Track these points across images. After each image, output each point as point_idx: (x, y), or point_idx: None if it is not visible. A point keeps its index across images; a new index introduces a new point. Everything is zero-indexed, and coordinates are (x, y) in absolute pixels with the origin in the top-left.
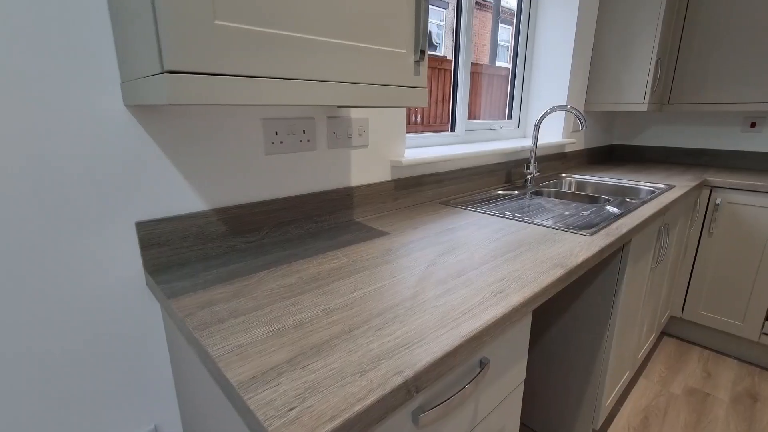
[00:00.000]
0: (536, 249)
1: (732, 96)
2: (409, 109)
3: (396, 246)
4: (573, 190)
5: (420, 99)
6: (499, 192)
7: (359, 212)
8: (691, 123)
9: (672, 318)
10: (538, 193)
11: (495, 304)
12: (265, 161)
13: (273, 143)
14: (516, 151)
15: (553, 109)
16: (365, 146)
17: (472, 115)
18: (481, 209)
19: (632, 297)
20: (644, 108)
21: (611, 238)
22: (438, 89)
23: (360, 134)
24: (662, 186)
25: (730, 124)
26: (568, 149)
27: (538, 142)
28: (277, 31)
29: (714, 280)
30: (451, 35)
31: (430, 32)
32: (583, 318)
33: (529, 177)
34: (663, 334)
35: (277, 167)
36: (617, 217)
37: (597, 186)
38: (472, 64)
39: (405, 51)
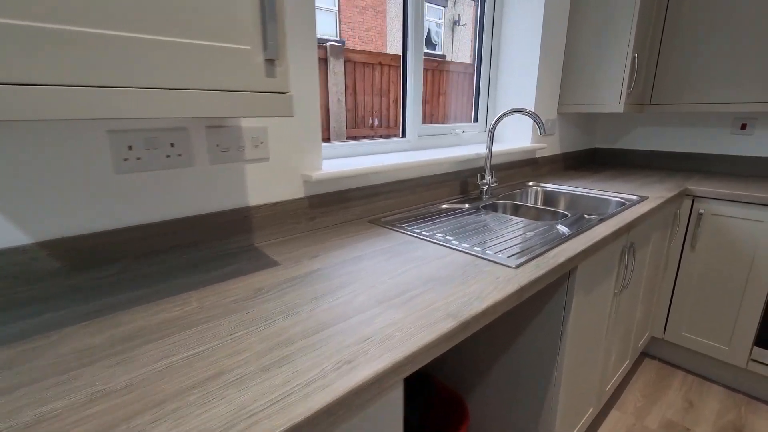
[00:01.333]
0: (442, 288)
1: (718, 95)
2: (366, 113)
3: (272, 284)
4: (537, 200)
5: (280, 107)
6: (444, 206)
7: (262, 236)
8: (677, 125)
9: (654, 338)
10: (492, 207)
11: (327, 385)
12: (117, 182)
13: (126, 160)
14: (472, 159)
15: (507, 114)
16: (265, 159)
17: (440, 118)
18: (412, 229)
19: (588, 328)
20: (620, 109)
21: (541, 271)
22: (434, 89)
23: (256, 146)
24: (634, 197)
25: (720, 126)
26: (539, 155)
27: (503, 148)
28: (51, 26)
29: (698, 300)
30: (450, 34)
31: (429, 30)
32: (529, 354)
33: (484, 188)
34: (644, 355)
35: (137, 188)
36: (563, 239)
37: (563, 197)
38: (440, 60)
39: (249, 48)
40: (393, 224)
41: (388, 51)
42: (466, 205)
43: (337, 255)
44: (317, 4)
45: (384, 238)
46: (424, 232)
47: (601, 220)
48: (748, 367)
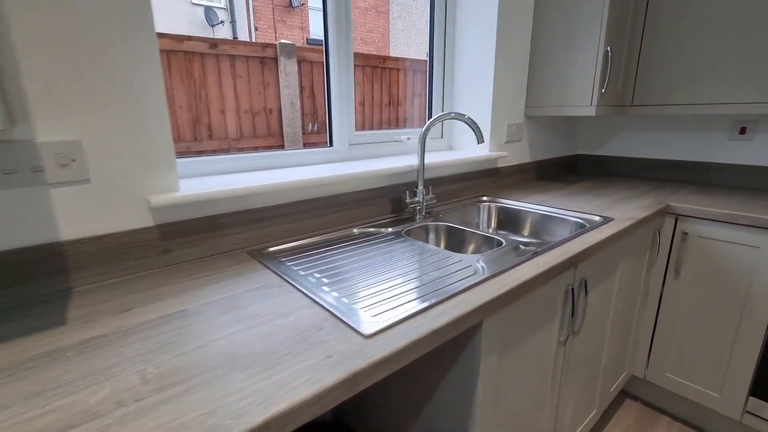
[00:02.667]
0: (234, 376)
1: (710, 95)
2: (302, 116)
3: (20, 359)
4: (487, 220)
5: None
6: (357, 231)
7: (84, 277)
8: (667, 129)
9: (635, 377)
10: (421, 231)
11: None
12: None
13: None
14: (410, 172)
15: (442, 118)
16: (83, 182)
17: (398, 123)
18: (292, 266)
19: (519, 388)
20: (591, 112)
21: (405, 340)
22: (392, 90)
23: (65, 165)
24: (597, 219)
25: (716, 130)
26: (501, 164)
27: (450, 158)
28: None
29: (683, 336)
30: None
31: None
32: (442, 416)
33: (416, 207)
34: (624, 394)
35: None
36: (469, 286)
37: (519, 216)
38: (396, 57)
39: None
40: (275, 257)
41: (391, 53)
42: (389, 229)
43: (158, 308)
44: (317, 5)
45: (244, 279)
46: (300, 271)
47: (536, 254)
48: (743, 420)
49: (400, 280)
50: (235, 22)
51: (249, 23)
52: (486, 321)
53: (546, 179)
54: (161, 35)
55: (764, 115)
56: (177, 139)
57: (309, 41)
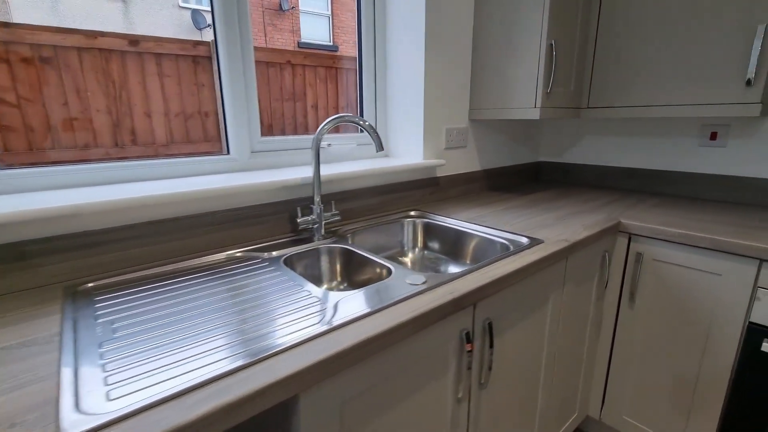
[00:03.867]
0: None
1: (673, 95)
2: (276, 121)
3: None
4: (412, 239)
5: None
6: (223, 256)
7: None
8: (633, 135)
9: (590, 418)
10: (310, 256)
11: None
12: None
13: None
14: (306, 185)
15: (332, 123)
16: None
17: (355, 127)
18: (101, 306)
19: None
20: (535, 114)
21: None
22: (327, 90)
23: None
24: (524, 241)
25: (685, 136)
26: (441, 173)
27: (371, 167)
28: None
29: (641, 373)
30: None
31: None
32: None
33: (313, 226)
34: None
35: None
36: (291, 346)
37: (446, 235)
38: (330, 54)
39: None
40: (90, 296)
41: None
42: (273, 254)
43: None
44: (309, 8)
45: (18, 328)
46: (100, 318)
47: (422, 292)
48: None
49: (213, 335)
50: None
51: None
52: (305, 396)
53: (499, 189)
54: (71, 30)
55: (735, 118)
56: (93, 144)
57: (300, 44)
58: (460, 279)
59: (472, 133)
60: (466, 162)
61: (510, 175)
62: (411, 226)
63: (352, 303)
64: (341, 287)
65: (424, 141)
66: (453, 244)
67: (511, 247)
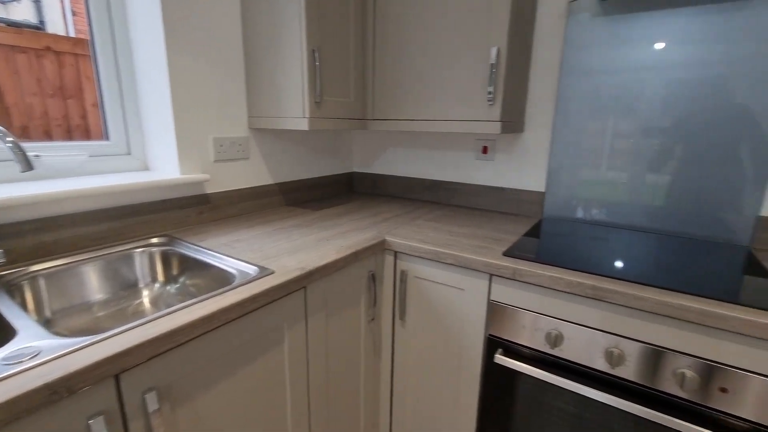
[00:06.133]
0: None
1: (437, 111)
2: (28, 121)
3: None
4: (149, 273)
5: None
6: None
7: None
8: (428, 147)
9: None
10: None
11: None
12: None
13: None
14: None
15: None
16: None
17: (85, 132)
18: None
19: None
20: (304, 125)
21: None
22: (60, 82)
23: None
24: (252, 271)
25: (466, 150)
26: (213, 189)
27: (96, 185)
28: None
29: (418, 393)
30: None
31: None
32: None
33: None
34: None
35: None
36: None
37: (188, 265)
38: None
39: None
40: None
41: None
42: None
43: None
44: None
45: None
46: None
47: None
48: None
49: None
50: (39, 1)
51: (62, 5)
52: None
53: (303, 203)
54: None
55: (498, 134)
56: None
57: None
58: (94, 346)
59: (257, 144)
60: (250, 176)
61: (321, 187)
62: (147, 258)
63: None
64: None
65: (178, 152)
66: (199, 276)
67: (238, 280)
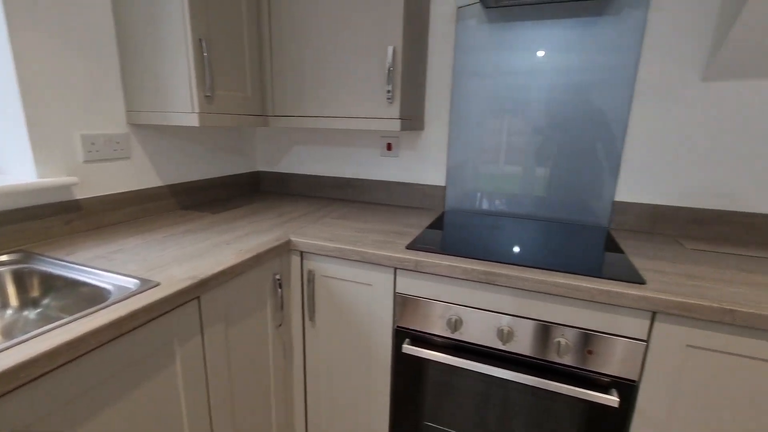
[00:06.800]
0: None
1: (339, 108)
2: None
3: None
4: None
5: None
6: None
7: None
8: (334, 144)
9: None
10: None
11: None
12: None
13: None
14: None
15: None
16: None
17: None
18: None
19: None
20: (194, 121)
21: None
22: None
23: None
24: (132, 285)
25: (373, 147)
26: (84, 194)
27: None
28: None
29: (333, 390)
30: None
31: None
32: None
33: None
34: None
35: None
36: None
37: (50, 283)
38: None
39: None
40: None
41: None
42: None
43: None
44: None
45: None
46: None
47: None
48: None
49: None
50: None
51: None
52: None
53: (196, 207)
54: None
55: (403, 132)
56: None
57: None
58: None
59: (140, 142)
60: (132, 177)
61: (222, 188)
62: None
63: None
64: None
65: (33, 151)
66: (67, 297)
67: (111, 297)
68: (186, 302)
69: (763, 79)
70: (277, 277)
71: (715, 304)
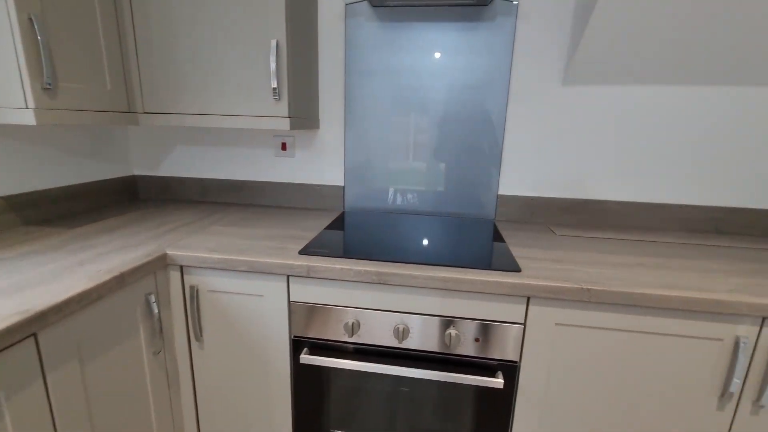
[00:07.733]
0: None
1: (222, 106)
2: None
3: None
4: None
5: None
6: None
7: None
8: (222, 145)
9: None
10: None
11: None
12: None
13: None
14: None
15: None
16: None
17: None
18: None
19: None
20: (30, 119)
21: None
22: None
23: None
24: None
25: (266, 146)
26: None
27: None
28: None
29: (227, 412)
30: None
31: None
32: None
33: None
34: None
35: None
36: None
37: None
38: None
39: None
40: None
41: None
42: None
43: None
44: None
45: None
46: None
47: None
48: None
49: None
50: None
51: None
52: None
53: (46, 222)
54: None
55: (299, 132)
56: None
57: None
58: None
59: None
60: None
61: (85, 197)
62: None
63: None
64: None
65: None
66: None
67: None
68: (13, 344)
69: (610, 85)
70: (152, 297)
71: (575, 285)
